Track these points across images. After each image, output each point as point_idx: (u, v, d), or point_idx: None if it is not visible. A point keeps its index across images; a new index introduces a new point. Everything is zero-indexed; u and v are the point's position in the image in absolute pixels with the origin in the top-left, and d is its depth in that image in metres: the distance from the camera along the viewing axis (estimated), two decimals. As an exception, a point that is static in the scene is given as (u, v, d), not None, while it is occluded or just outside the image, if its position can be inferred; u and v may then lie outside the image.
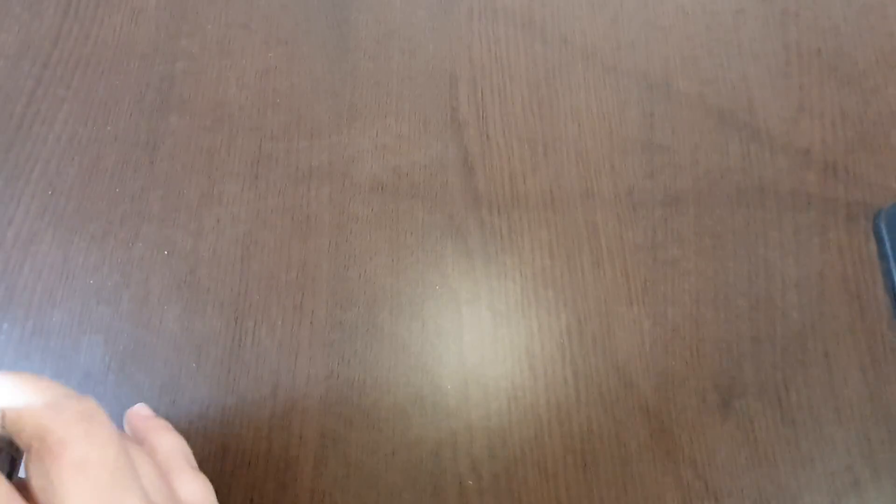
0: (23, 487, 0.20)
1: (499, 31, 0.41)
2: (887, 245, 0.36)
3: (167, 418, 0.32)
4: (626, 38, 0.41)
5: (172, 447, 0.28)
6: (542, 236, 0.36)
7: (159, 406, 0.33)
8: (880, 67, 0.40)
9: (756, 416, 0.33)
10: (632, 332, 0.35)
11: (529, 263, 0.36)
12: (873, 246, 0.37)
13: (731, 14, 0.42)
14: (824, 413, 0.33)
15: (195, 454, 0.32)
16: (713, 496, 0.32)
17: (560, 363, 0.34)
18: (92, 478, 0.20)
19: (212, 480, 0.32)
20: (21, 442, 0.20)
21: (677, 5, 0.42)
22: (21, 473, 0.22)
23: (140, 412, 0.31)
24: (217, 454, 0.32)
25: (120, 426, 0.31)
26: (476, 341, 0.35)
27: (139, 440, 0.29)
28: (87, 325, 0.34)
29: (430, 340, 0.35)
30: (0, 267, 0.35)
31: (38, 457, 0.20)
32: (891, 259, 0.36)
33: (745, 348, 0.34)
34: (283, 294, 0.35)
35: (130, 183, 0.37)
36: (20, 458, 0.22)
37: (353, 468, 0.32)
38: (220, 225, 0.36)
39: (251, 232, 0.36)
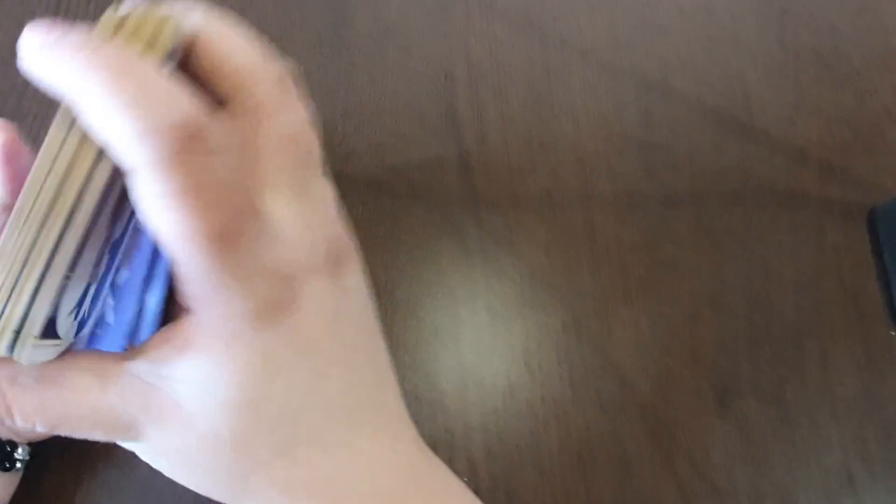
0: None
1: (496, 29, 0.41)
2: (882, 242, 0.36)
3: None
4: (623, 38, 0.41)
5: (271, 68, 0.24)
6: (540, 236, 0.36)
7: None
8: (876, 67, 0.40)
9: (753, 415, 0.33)
10: (629, 331, 0.35)
11: (527, 263, 0.36)
12: (869, 245, 0.37)
13: (728, 13, 0.42)
14: (820, 411, 0.34)
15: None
16: (710, 494, 0.32)
17: (557, 362, 0.34)
18: (292, 153, 0.19)
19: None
20: (221, 88, 0.19)
21: (675, 4, 0.42)
22: None
23: None
24: (213, 454, 0.32)
25: None
26: (473, 341, 0.35)
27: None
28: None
29: (428, 340, 0.34)
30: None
31: (241, 112, 0.19)
32: (886, 257, 0.36)
33: (741, 347, 0.35)
34: (279, 293, 0.35)
35: (125, 181, 0.37)
36: None
37: (350, 468, 0.32)
38: (215, 224, 0.36)
39: (247, 231, 0.36)
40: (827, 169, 0.38)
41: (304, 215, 0.19)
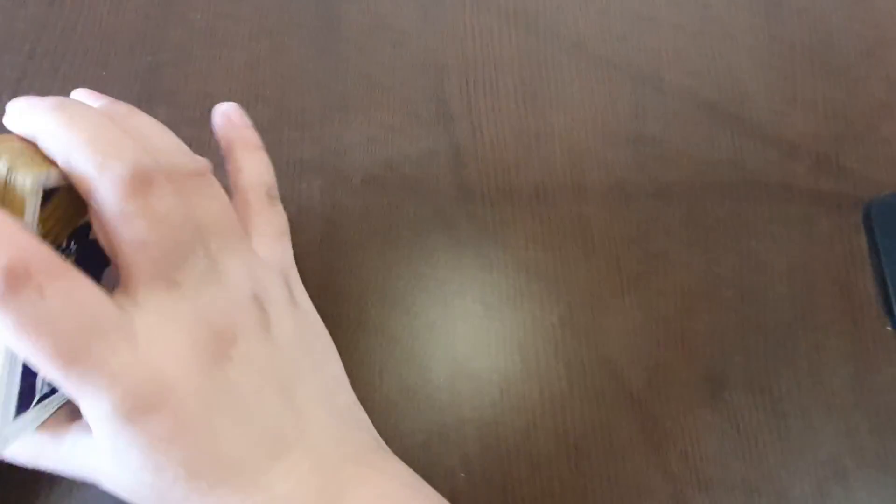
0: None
1: (489, 22, 0.41)
2: (876, 236, 0.36)
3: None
4: (616, 30, 0.41)
5: (256, 176, 0.27)
6: (533, 229, 0.36)
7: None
8: (868, 59, 0.40)
9: (744, 407, 0.34)
10: (622, 324, 0.35)
11: (519, 256, 0.36)
12: (861, 237, 0.37)
13: (721, 6, 0.42)
14: (812, 404, 0.34)
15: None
16: (702, 486, 0.32)
17: (551, 356, 0.34)
18: (145, 255, 0.20)
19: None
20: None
21: (668, -3, 0.42)
22: None
23: (232, 117, 0.28)
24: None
25: None
26: (466, 334, 0.35)
27: (224, 150, 0.28)
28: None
29: (421, 333, 0.35)
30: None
31: (95, 222, 0.20)
32: (879, 250, 0.36)
33: (734, 340, 0.35)
34: (272, 287, 0.35)
35: (117, 176, 0.37)
36: None
37: (344, 461, 0.32)
38: (208, 218, 0.36)
39: (240, 225, 0.36)
40: (819, 161, 0.38)
41: (162, 310, 0.20)
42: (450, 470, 0.32)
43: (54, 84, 0.38)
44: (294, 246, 0.36)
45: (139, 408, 0.19)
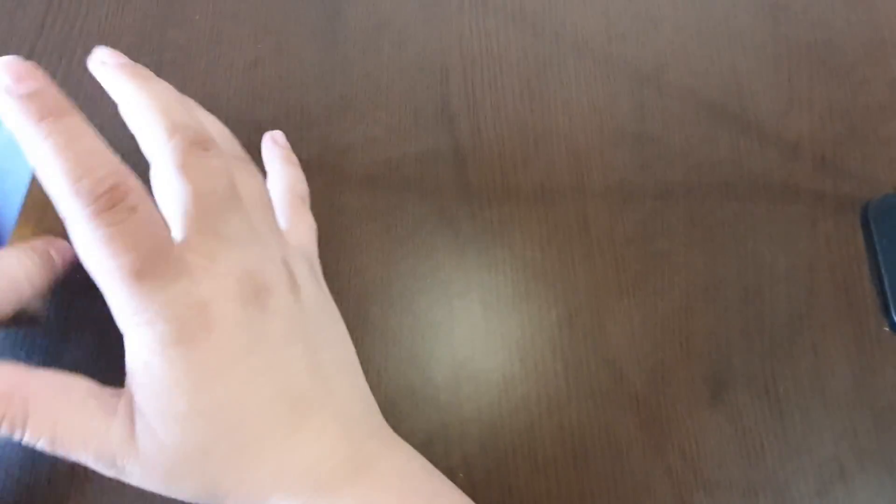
0: None
1: (490, 22, 0.41)
2: (875, 237, 0.36)
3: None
4: (617, 30, 0.41)
5: (292, 183, 0.32)
6: (534, 229, 0.36)
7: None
8: (868, 60, 0.41)
9: (745, 408, 0.34)
10: (622, 324, 0.35)
11: (520, 256, 0.36)
12: (861, 238, 0.37)
13: (721, 7, 0.42)
14: (812, 404, 0.34)
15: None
16: (702, 486, 0.32)
17: (551, 356, 0.34)
18: (199, 205, 0.23)
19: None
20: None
21: (668, -3, 0.42)
22: None
23: (278, 140, 0.34)
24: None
25: None
26: (467, 334, 0.35)
27: (267, 163, 0.33)
28: (74, 321, 0.34)
29: (422, 333, 0.35)
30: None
31: (156, 171, 0.23)
32: (878, 251, 0.36)
33: (734, 340, 0.35)
34: (273, 287, 0.35)
35: (118, 175, 0.37)
36: None
37: (344, 461, 0.32)
38: (209, 218, 0.36)
39: (241, 225, 0.36)
40: (820, 162, 0.38)
41: (211, 255, 0.23)
42: (450, 470, 0.32)
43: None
44: (295, 246, 0.36)
45: (188, 334, 0.21)
